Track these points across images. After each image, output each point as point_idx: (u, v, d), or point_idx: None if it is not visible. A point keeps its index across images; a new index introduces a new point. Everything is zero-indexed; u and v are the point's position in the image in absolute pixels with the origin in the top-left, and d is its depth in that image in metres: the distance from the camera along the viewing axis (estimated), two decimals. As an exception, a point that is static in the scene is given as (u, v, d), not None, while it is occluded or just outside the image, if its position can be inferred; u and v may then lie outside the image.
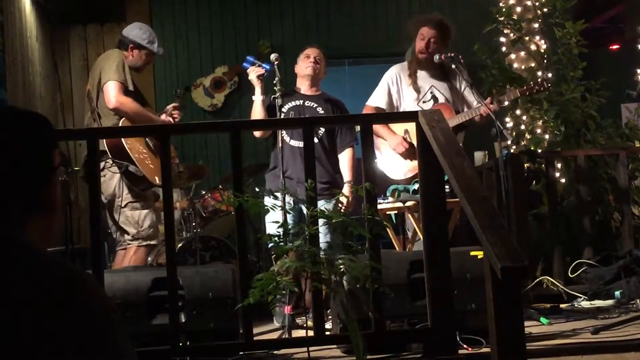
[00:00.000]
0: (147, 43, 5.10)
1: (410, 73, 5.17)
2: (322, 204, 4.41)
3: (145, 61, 5.16)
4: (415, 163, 4.35)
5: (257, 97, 4.98)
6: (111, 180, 4.79)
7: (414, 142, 3.96)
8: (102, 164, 4.73)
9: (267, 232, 3.25)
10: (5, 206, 1.34)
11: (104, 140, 4.69)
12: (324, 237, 3.79)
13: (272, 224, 3.78)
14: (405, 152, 4.99)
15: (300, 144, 4.93)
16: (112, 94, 4.75)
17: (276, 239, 3.12)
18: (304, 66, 5.18)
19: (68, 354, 1.19)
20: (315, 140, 4.94)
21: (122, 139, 4.69)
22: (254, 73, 4.96)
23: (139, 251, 4.84)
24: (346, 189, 4.99)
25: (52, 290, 1.23)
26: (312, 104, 5.13)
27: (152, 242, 4.98)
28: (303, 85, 5.21)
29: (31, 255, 1.28)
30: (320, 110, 5.10)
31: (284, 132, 4.96)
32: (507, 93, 5.16)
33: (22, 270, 1.24)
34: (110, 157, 4.71)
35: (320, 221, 3.31)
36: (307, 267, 3.02)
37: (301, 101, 5.12)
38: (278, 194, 3.93)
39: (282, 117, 4.91)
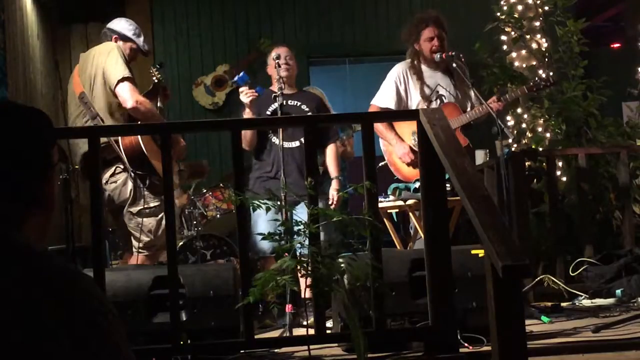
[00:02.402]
0: (132, 35, 4.81)
1: (416, 74, 5.13)
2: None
3: (129, 56, 4.78)
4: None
5: (247, 117, 4.91)
6: (125, 185, 4.55)
7: None
8: (113, 168, 4.51)
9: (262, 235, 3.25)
10: (3, 203, 1.33)
11: (120, 146, 4.43)
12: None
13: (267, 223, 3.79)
14: (412, 162, 4.93)
15: (290, 144, 4.93)
16: (129, 94, 4.43)
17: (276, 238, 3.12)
18: (275, 69, 5.04)
19: (66, 353, 1.19)
20: (301, 141, 4.87)
21: (142, 146, 4.43)
22: (248, 97, 4.85)
23: (146, 262, 4.60)
24: (334, 185, 4.96)
25: (51, 290, 1.23)
26: (295, 102, 5.05)
27: (164, 249, 4.84)
28: (276, 87, 5.09)
29: (29, 255, 1.28)
30: (305, 107, 5.02)
31: (272, 135, 4.95)
32: (514, 90, 5.16)
33: (20, 270, 1.24)
34: (125, 162, 4.46)
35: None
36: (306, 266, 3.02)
37: (283, 101, 5.01)
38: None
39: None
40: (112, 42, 4.74)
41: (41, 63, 7.20)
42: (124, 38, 4.81)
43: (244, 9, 8.34)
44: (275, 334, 4.38)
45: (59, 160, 1.48)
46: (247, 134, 4.92)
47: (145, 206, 4.58)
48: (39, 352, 1.17)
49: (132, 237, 4.66)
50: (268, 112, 4.99)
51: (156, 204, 4.62)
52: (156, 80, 5.03)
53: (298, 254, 3.08)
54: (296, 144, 4.90)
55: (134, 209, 4.59)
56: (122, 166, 4.54)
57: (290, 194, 4.36)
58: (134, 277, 3.70)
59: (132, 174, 4.49)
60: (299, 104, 5.04)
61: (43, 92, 7.17)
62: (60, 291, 1.24)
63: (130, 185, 4.56)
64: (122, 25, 4.87)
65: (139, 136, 4.44)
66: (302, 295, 4.46)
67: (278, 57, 5.03)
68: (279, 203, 4.17)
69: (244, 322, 3.49)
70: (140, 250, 4.61)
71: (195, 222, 6.11)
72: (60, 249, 5.20)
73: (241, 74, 4.99)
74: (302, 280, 3.24)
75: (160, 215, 4.62)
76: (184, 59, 8.25)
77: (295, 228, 3.10)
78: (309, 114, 4.99)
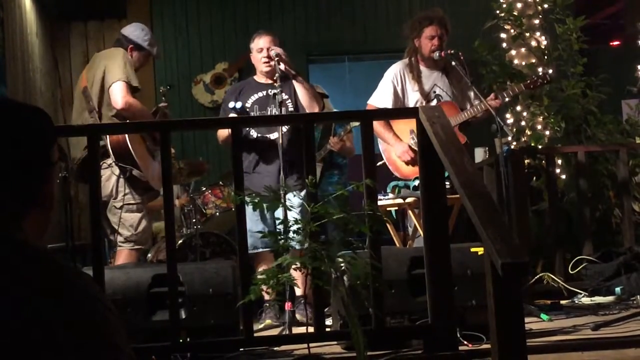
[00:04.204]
0: (147, 45, 5.00)
1: (413, 72, 5.12)
2: (291, 196, 4.34)
3: (142, 63, 5.07)
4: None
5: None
6: (108, 180, 4.67)
7: None
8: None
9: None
10: (2, 202, 1.33)
11: (107, 141, 4.58)
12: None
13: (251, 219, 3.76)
14: (411, 160, 4.94)
15: (269, 136, 4.82)
16: (120, 94, 4.63)
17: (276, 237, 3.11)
18: (260, 61, 4.96)
19: (66, 353, 1.19)
20: (284, 129, 4.73)
21: (128, 141, 4.58)
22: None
23: (130, 255, 4.74)
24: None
25: (50, 289, 1.23)
26: (275, 90, 4.85)
27: (143, 247, 4.92)
28: (262, 78, 5.03)
29: (28, 254, 1.28)
30: (284, 95, 4.85)
31: (250, 128, 4.84)
32: (511, 87, 5.16)
33: (19, 269, 1.24)
34: (110, 157, 4.61)
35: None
36: (308, 264, 3.02)
37: (264, 92, 4.95)
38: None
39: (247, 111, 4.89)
40: (121, 49, 4.91)
41: (40, 61, 7.20)
42: (139, 48, 5.00)
43: (243, 6, 8.34)
44: (274, 331, 4.38)
45: (59, 159, 1.48)
46: (224, 132, 4.76)
47: (129, 201, 4.73)
48: (38, 351, 1.17)
49: (116, 232, 4.77)
50: (249, 102, 4.94)
51: (139, 200, 4.77)
52: (164, 99, 5.30)
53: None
54: (275, 135, 4.82)
55: (118, 203, 4.73)
56: (108, 162, 4.65)
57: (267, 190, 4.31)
58: (133, 275, 3.70)
59: (115, 165, 4.63)
60: (279, 91, 4.84)
61: (42, 90, 7.17)
62: (59, 290, 1.24)
63: (113, 180, 4.69)
64: (137, 34, 5.03)
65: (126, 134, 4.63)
66: (303, 292, 4.46)
67: (261, 50, 4.94)
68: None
69: (243, 319, 3.50)
70: (122, 244, 4.75)
71: (194, 220, 6.10)
72: (59, 247, 5.21)
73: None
74: (301, 278, 3.23)
75: (142, 212, 4.80)
76: (183, 56, 8.24)
77: (295, 226, 3.09)
78: (288, 101, 4.89)
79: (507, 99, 5.10)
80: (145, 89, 5.48)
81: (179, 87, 8.13)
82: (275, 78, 4.79)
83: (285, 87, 4.90)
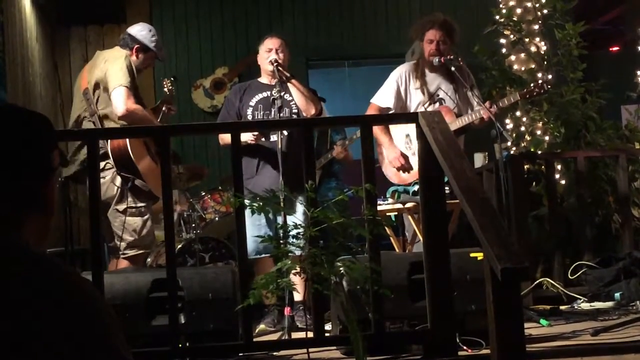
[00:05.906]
0: (154, 47, 4.91)
1: (418, 75, 5.13)
2: (298, 204, 4.38)
3: (147, 64, 4.98)
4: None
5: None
6: (112, 182, 4.60)
7: (415, 147, 3.93)
8: (102, 164, 4.49)
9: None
10: (3, 206, 1.33)
11: (108, 147, 4.50)
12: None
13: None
14: (401, 167, 4.96)
15: (270, 137, 4.84)
16: (122, 100, 4.52)
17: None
18: (266, 60, 4.96)
19: (66, 355, 1.19)
20: (284, 132, 4.76)
21: (129, 149, 4.51)
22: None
23: (133, 263, 4.66)
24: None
25: (50, 293, 1.23)
26: (274, 96, 4.88)
27: (148, 250, 4.85)
28: (266, 78, 5.06)
29: (28, 258, 1.28)
30: (287, 96, 4.91)
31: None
32: (507, 96, 5.15)
33: (19, 273, 1.24)
34: (110, 159, 4.54)
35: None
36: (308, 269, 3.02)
37: (268, 92, 4.95)
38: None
39: (250, 112, 4.90)
40: (123, 51, 4.81)
41: (40, 65, 7.20)
42: (145, 49, 4.89)
43: (243, 11, 8.35)
44: (274, 336, 4.37)
45: (60, 164, 1.48)
46: (226, 136, 4.65)
47: (132, 205, 4.63)
48: (38, 355, 1.17)
49: (116, 238, 4.67)
50: (253, 101, 4.96)
51: (143, 204, 4.69)
52: (167, 91, 5.27)
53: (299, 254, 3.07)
54: (273, 137, 4.81)
55: (121, 207, 4.64)
56: (111, 162, 4.58)
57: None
58: (133, 280, 3.70)
59: (117, 174, 4.57)
60: (283, 93, 4.90)
61: (42, 95, 7.17)
62: (58, 294, 1.24)
63: (118, 182, 4.60)
64: (144, 34, 4.92)
65: (127, 139, 4.53)
66: (303, 298, 4.46)
67: (270, 50, 4.96)
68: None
69: (242, 325, 3.49)
70: (124, 252, 4.65)
71: (194, 225, 6.10)
72: (59, 251, 5.20)
73: None
74: (301, 283, 3.23)
75: (146, 216, 4.69)
76: (182, 61, 8.25)
77: (295, 231, 3.09)
78: (292, 102, 4.94)
79: (502, 106, 5.10)
80: (144, 95, 5.46)
81: (178, 92, 8.12)
82: (275, 82, 4.81)
83: (288, 90, 4.95)
